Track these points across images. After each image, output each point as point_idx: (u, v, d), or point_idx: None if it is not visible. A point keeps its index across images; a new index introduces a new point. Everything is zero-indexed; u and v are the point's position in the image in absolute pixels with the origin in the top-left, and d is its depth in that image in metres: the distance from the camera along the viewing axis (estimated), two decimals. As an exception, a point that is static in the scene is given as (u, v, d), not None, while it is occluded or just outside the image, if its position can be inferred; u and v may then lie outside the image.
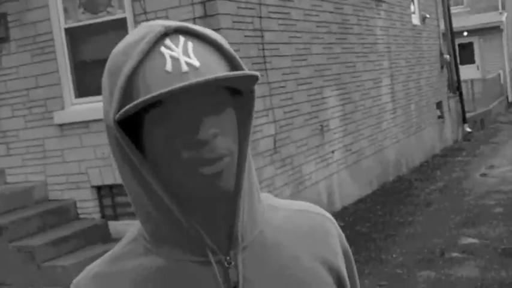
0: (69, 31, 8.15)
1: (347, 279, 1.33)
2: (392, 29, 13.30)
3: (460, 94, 18.51)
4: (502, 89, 28.18)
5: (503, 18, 29.44)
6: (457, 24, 22.10)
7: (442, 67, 17.02)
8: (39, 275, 7.18)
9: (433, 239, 8.22)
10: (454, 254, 7.58)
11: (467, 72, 25.48)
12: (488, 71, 28.36)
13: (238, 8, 7.65)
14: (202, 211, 1.16)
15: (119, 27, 7.86)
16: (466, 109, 19.32)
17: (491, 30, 29.12)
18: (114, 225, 8.08)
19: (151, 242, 1.21)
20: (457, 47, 19.44)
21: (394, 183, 12.13)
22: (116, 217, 8.18)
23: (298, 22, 9.25)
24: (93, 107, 7.97)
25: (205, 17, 7.27)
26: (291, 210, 1.33)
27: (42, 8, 8.12)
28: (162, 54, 1.10)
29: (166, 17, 7.47)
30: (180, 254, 1.18)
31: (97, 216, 8.18)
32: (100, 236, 7.90)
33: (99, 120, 7.86)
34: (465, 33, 28.50)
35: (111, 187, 8.14)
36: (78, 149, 8.09)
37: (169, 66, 1.09)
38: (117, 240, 7.84)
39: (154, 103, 1.08)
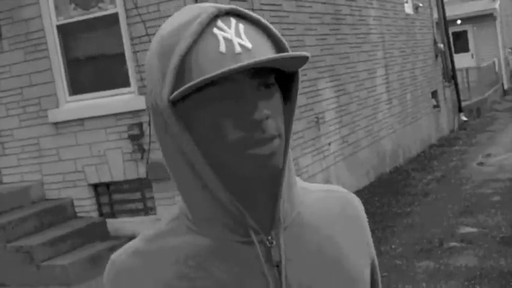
0: (61, 28, 8.12)
1: (370, 255, 1.38)
2: (385, 18, 13.28)
3: (455, 83, 18.50)
4: (497, 77, 28.16)
5: (497, 5, 29.41)
6: (450, 12, 22.09)
7: (436, 56, 17.00)
8: (38, 275, 7.16)
9: (432, 229, 8.22)
10: (453, 244, 7.58)
11: (461, 60, 25.47)
12: (482, 59, 28.35)
13: (231, 0, 7.62)
14: (246, 192, 1.18)
15: (111, 22, 7.84)
16: (462, 98, 19.32)
17: (485, 18, 29.09)
18: (112, 223, 8.06)
19: (193, 221, 1.21)
20: (450, 36, 19.41)
21: (391, 174, 12.13)
22: (113, 215, 8.16)
23: (290, 14, 9.22)
24: (87, 104, 7.96)
25: (198, 12, 7.23)
26: (321, 192, 1.36)
27: (34, 5, 8.08)
28: (215, 36, 1.11)
29: (158, 11, 7.45)
30: (222, 233, 1.19)
31: (94, 214, 8.17)
32: (98, 234, 7.88)
33: (94, 117, 7.85)
34: (459, 22, 28.49)
35: (108, 185, 8.12)
36: (73, 147, 8.06)
37: (223, 47, 1.10)
38: (115, 238, 7.85)
39: (207, 84, 1.09)
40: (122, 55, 7.84)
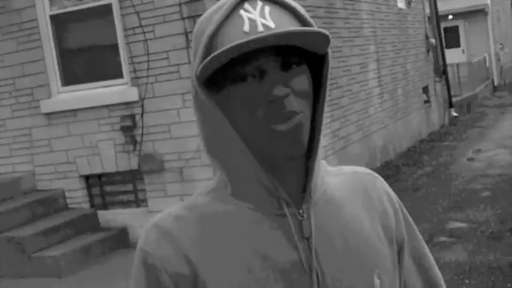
0: (54, 18, 8.10)
1: (395, 235, 1.41)
2: (378, 13, 13.29)
3: (446, 78, 18.53)
4: (488, 72, 28.23)
5: (488, 1, 29.45)
6: (442, 7, 22.10)
7: (428, 51, 17.03)
8: (30, 266, 7.16)
9: (421, 223, 8.25)
10: (442, 238, 7.62)
11: (452, 56, 25.51)
12: (473, 55, 28.41)
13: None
14: (277, 166, 1.25)
15: (105, 13, 7.83)
16: (452, 93, 19.35)
17: (477, 14, 29.14)
18: (103, 215, 8.06)
19: (231, 193, 1.29)
20: (442, 31, 19.44)
21: (381, 169, 12.15)
22: (104, 206, 8.16)
23: (284, 8, 9.20)
24: (80, 95, 7.94)
25: (191, 2, 7.23)
26: (343, 175, 1.42)
27: (27, -5, 8.06)
28: (241, 17, 1.19)
29: (152, 3, 7.44)
30: (257, 204, 1.26)
31: (86, 205, 8.16)
32: (89, 226, 7.89)
33: (87, 108, 7.85)
34: (450, 17, 28.51)
35: (99, 176, 8.12)
36: (65, 138, 8.05)
37: (246, 27, 1.17)
38: (106, 229, 7.85)
39: (233, 63, 1.17)
40: (115, 46, 7.83)
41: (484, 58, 27.81)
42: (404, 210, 1.48)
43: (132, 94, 7.65)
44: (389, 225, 1.39)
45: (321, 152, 1.31)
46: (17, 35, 8.16)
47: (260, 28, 1.16)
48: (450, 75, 19.66)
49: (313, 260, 1.25)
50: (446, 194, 9.79)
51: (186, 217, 1.27)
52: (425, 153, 13.70)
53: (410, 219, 1.50)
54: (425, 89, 16.46)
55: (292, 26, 1.20)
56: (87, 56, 8.28)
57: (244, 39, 1.12)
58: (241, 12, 1.19)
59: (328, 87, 1.29)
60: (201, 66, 1.17)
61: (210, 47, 1.19)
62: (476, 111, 21.06)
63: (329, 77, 1.28)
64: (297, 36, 1.16)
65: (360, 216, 1.35)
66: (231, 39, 1.15)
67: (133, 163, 7.77)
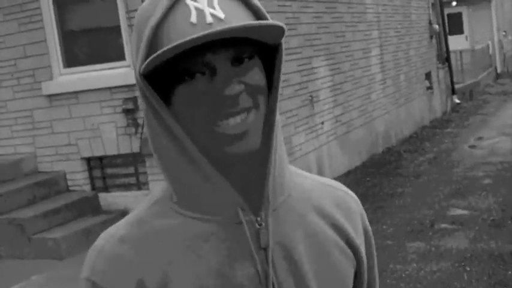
0: (56, -1, 8.06)
1: (364, 257, 1.34)
2: (382, -2, 13.24)
3: (449, 65, 18.49)
4: (491, 60, 28.16)
5: (492, -12, 29.37)
6: (446, -6, 22.02)
7: (431, 37, 16.97)
8: (30, 247, 7.16)
9: (423, 210, 8.25)
10: (444, 225, 7.62)
11: (456, 42, 25.42)
12: (477, 42, 28.33)
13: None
14: (232, 170, 1.16)
15: (108, -5, 7.79)
16: (455, 80, 19.32)
17: (480, 0, 29.04)
18: (104, 197, 8.05)
19: (178, 203, 1.18)
20: (445, 17, 19.37)
21: (383, 155, 12.14)
22: (106, 189, 8.15)
23: (288, -8, 9.18)
24: (82, 77, 7.92)
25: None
26: (317, 182, 1.33)
27: (30, -24, 8.01)
28: (187, 6, 1.09)
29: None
30: (209, 213, 1.17)
31: (87, 188, 8.15)
32: (90, 208, 7.88)
33: (89, 90, 7.82)
34: (454, 3, 28.41)
35: (101, 158, 8.11)
36: (67, 120, 8.03)
37: (193, 18, 1.07)
38: (107, 212, 7.85)
39: (180, 58, 1.08)
40: (118, 28, 7.79)
41: (487, 45, 27.74)
42: (373, 242, 1.40)
43: (134, 76, 7.60)
44: (355, 243, 1.31)
45: (283, 150, 1.23)
46: (18, 16, 8.12)
47: (209, 19, 1.07)
48: (453, 62, 19.61)
49: (270, 273, 1.17)
50: (447, 180, 9.78)
51: (130, 237, 1.17)
52: (427, 140, 13.68)
53: (374, 250, 1.41)
54: (428, 76, 16.42)
55: (244, 16, 1.11)
56: (89, 37, 8.25)
57: (195, 36, 1.02)
58: (188, 1, 1.09)
59: (281, 80, 1.19)
60: (144, 64, 1.06)
61: (154, 39, 1.09)
62: (478, 98, 21.02)
63: (282, 69, 1.19)
64: (252, 30, 1.08)
65: (324, 230, 1.26)
66: (177, 32, 1.07)
67: (135, 146, 7.75)
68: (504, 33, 31.76)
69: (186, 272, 1.14)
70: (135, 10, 7.44)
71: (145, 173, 7.85)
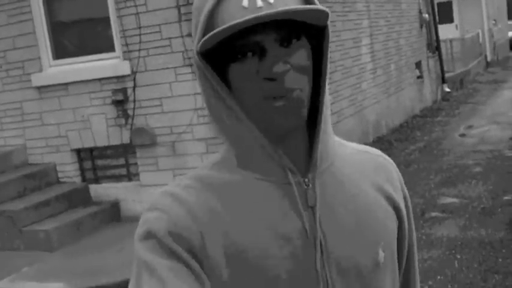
0: (45, -10, 8.02)
1: (405, 216, 1.45)
2: (372, -13, 13.23)
3: (439, 54, 18.50)
4: (481, 48, 28.19)
5: (482, -24, 29.35)
6: (436, -17, 21.99)
7: (421, 26, 16.97)
8: (21, 239, 7.16)
9: (413, 198, 8.27)
10: (434, 214, 7.65)
11: (446, 31, 25.42)
12: (467, 31, 28.34)
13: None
14: (283, 139, 1.27)
15: (96, -14, 7.76)
16: (445, 69, 19.33)
17: (470, -11, 29.03)
18: (94, 188, 8.04)
19: (237, 163, 1.30)
20: (436, 6, 19.36)
21: (374, 144, 12.15)
22: (96, 180, 8.14)
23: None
24: (72, 69, 7.90)
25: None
26: (356, 150, 1.45)
27: (18, -33, 7.97)
28: None
29: (145, -23, 7.38)
30: (263, 174, 1.28)
31: (77, 179, 8.14)
32: (81, 200, 7.88)
33: (78, 82, 7.80)
34: (444, -8, 28.40)
35: (91, 150, 8.09)
36: (57, 112, 8.01)
37: (245, 2, 1.18)
38: (98, 203, 7.84)
39: (233, 39, 1.17)
40: (107, 19, 7.77)
41: (478, 34, 27.75)
42: (411, 207, 1.49)
43: (124, 68, 7.60)
44: (396, 202, 1.41)
45: (329, 123, 1.33)
46: (7, 7, 8.08)
47: (259, 3, 1.17)
48: (443, 51, 19.62)
49: (317, 228, 1.27)
50: (438, 169, 9.81)
51: (195, 186, 1.28)
52: (418, 129, 13.71)
53: (412, 215, 1.51)
54: (418, 65, 16.43)
55: (291, 1, 1.21)
56: (78, 29, 8.22)
57: (246, 18, 1.12)
58: None
59: (329, 61, 1.29)
60: (200, 42, 1.17)
61: (209, 22, 1.20)
62: (468, 87, 21.06)
63: (329, 50, 1.29)
64: (298, 13, 1.17)
65: (366, 190, 1.36)
66: (231, 15, 1.17)
67: (125, 137, 7.74)
68: (494, 21, 31.80)
69: (239, 219, 1.25)
70: (124, 1, 7.46)
71: (135, 164, 7.85)
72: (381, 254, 1.33)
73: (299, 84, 1.21)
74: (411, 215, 1.50)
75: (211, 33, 1.15)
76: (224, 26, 1.13)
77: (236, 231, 1.24)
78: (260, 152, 1.27)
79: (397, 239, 1.43)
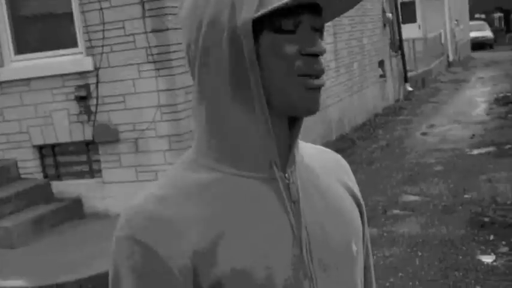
0: (7, -15, 7.92)
1: (364, 211, 1.47)
2: (336, -13, 13.26)
3: (402, 53, 18.67)
4: (443, 48, 28.51)
5: (444, -23, 29.65)
6: (399, -17, 22.14)
7: (384, 25, 17.11)
8: (-19, 236, 7.06)
9: (375, 196, 8.35)
10: (396, 211, 7.72)
11: (408, 31, 25.64)
12: (429, 31, 28.62)
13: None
14: (277, 126, 1.23)
15: (60, -20, 7.69)
16: (408, 68, 19.52)
17: (433, -11, 29.29)
18: (56, 185, 7.97)
19: (214, 159, 1.23)
20: (399, 6, 19.52)
21: (336, 142, 12.23)
22: (58, 177, 8.06)
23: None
24: (33, 64, 7.81)
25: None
26: (315, 148, 1.45)
27: (-21, -39, 7.86)
28: None
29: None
30: (243, 169, 1.22)
31: (39, 176, 8.06)
32: (42, 196, 7.79)
33: (40, 77, 7.72)
34: (407, -8, 28.62)
35: (53, 146, 8.01)
36: (18, 108, 7.92)
37: None
38: (60, 200, 7.78)
39: (276, 15, 1.17)
40: (70, 14, 7.70)
41: (440, 34, 28.06)
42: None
43: (86, 64, 7.54)
44: (357, 197, 1.44)
45: None
46: (-32, 1, 7.97)
47: None
48: (406, 50, 19.80)
49: (302, 224, 1.24)
50: (400, 167, 9.90)
51: (171, 195, 1.19)
52: (380, 128, 13.83)
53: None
54: (381, 64, 16.56)
55: None
56: (41, 24, 8.13)
57: None
58: None
59: None
60: (264, 11, 1.14)
61: None
62: (431, 86, 21.29)
63: None
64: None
65: (335, 185, 1.37)
66: None
67: (87, 133, 7.68)
68: (456, 22, 32.18)
69: (227, 225, 1.18)
70: (88, -4, 7.38)
71: (98, 160, 7.79)
72: (354, 248, 1.33)
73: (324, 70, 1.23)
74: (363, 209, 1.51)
75: (275, 5, 1.13)
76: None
77: (229, 241, 1.17)
78: (254, 144, 1.21)
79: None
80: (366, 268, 1.52)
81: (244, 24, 1.16)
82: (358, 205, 1.43)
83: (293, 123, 1.25)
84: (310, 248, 1.25)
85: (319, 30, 1.21)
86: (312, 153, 1.40)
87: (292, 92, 1.19)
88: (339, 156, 1.49)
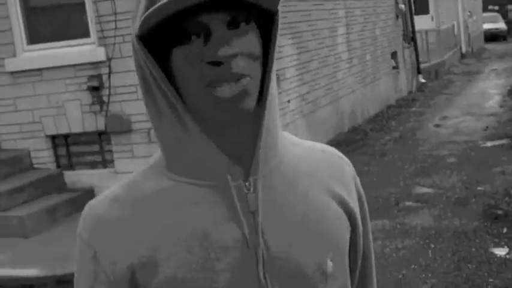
0: (20, -25, 7.92)
1: (359, 219, 1.35)
2: (349, -22, 13.23)
3: (415, 44, 18.59)
4: (456, 40, 28.37)
5: (458, -32, 29.48)
6: (412, -26, 22.02)
7: (397, 17, 17.03)
8: (-6, 225, 7.09)
9: (388, 188, 8.32)
10: (409, 203, 7.69)
11: (421, 22, 25.51)
12: (442, 22, 28.48)
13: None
14: (224, 136, 1.16)
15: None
16: (421, 60, 19.43)
17: (446, -19, 29.14)
18: (69, 175, 7.98)
19: (170, 168, 1.20)
20: (412, -3, 19.42)
21: (349, 133, 12.20)
22: (71, 167, 8.08)
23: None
24: (46, 54, 7.81)
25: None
26: (308, 148, 1.34)
27: (-8, -50, 7.86)
28: None
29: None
30: (199, 178, 1.18)
31: (52, 166, 8.07)
32: (55, 186, 7.81)
33: (53, 67, 7.72)
34: (420, -17, 28.48)
35: (65, 136, 8.02)
36: (31, 98, 7.93)
37: None
38: (72, 190, 7.79)
39: (176, 21, 1.08)
40: (82, 4, 7.69)
41: (453, 25, 27.92)
42: (366, 206, 1.41)
43: (99, 54, 7.53)
44: (348, 203, 1.31)
45: (277, 117, 1.23)
46: (-19, -9, 7.97)
47: None
48: (419, 42, 19.70)
49: (258, 236, 1.17)
50: (413, 159, 9.86)
51: (123, 198, 1.21)
52: (393, 119, 13.78)
53: (368, 215, 1.42)
54: (393, 55, 16.49)
55: None
56: (53, 14, 8.13)
57: None
58: None
59: (276, 49, 1.19)
60: (142, 18, 1.08)
61: (151, 5, 1.09)
62: (443, 78, 21.19)
63: (278, 38, 1.19)
64: None
65: (318, 192, 1.26)
66: None
67: (100, 124, 7.68)
68: (469, 13, 32.00)
69: (173, 234, 1.16)
70: (100, -14, 7.37)
71: (110, 151, 7.80)
72: (329, 264, 1.23)
73: (248, 71, 1.11)
74: (367, 217, 1.41)
75: (152, 8, 1.05)
76: (163, 1, 1.04)
77: (168, 248, 1.16)
78: (196, 152, 1.16)
79: (350, 244, 1.32)
80: (362, 279, 1.44)
81: (133, 43, 1.15)
82: (350, 214, 1.31)
83: (258, 128, 1.18)
84: (270, 262, 1.18)
85: (238, 25, 1.11)
86: (302, 155, 1.30)
87: (203, 104, 1.13)
88: (336, 157, 1.36)
